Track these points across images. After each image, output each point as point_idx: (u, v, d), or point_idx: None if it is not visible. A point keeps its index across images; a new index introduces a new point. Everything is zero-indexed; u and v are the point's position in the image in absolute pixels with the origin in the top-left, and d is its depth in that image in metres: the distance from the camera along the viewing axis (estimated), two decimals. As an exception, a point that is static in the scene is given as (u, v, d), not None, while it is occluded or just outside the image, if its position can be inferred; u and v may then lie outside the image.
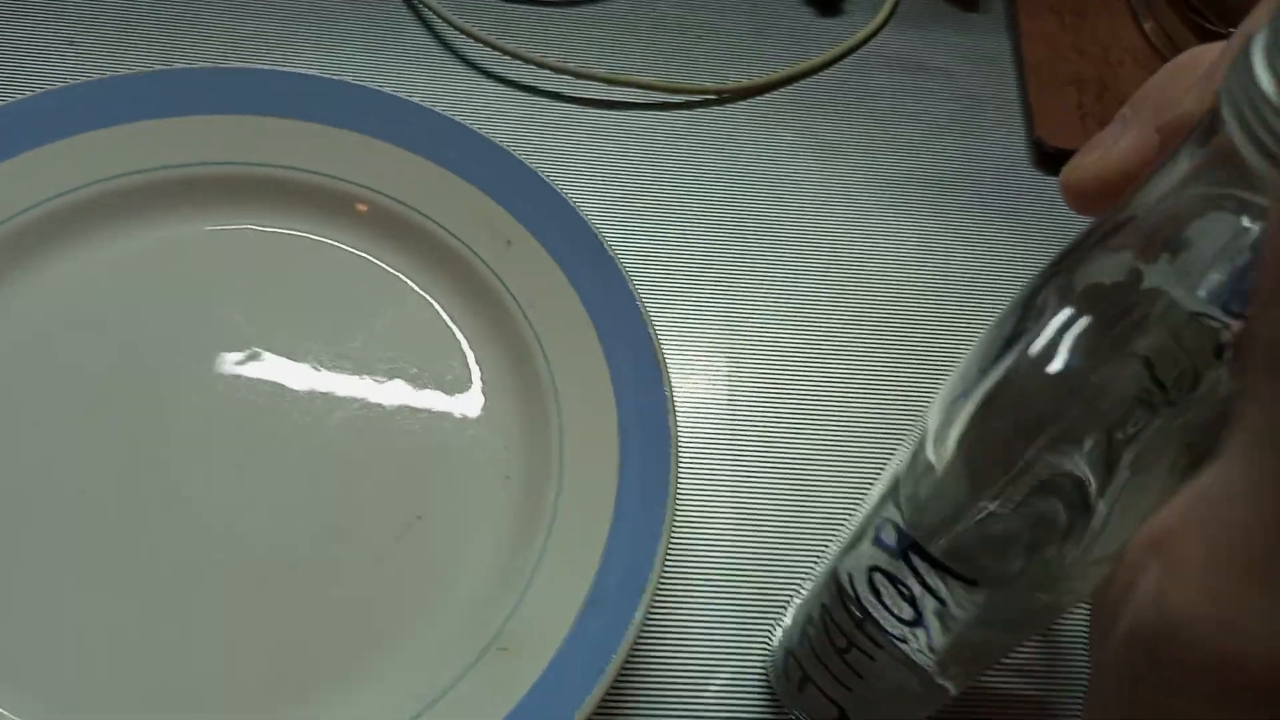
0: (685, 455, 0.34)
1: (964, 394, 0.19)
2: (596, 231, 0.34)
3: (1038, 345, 0.17)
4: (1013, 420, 0.18)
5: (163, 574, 0.30)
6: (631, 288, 0.33)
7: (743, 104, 0.43)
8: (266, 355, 0.33)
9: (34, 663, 0.28)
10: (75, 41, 0.40)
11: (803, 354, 0.37)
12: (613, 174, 0.40)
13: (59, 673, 0.28)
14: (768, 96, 0.43)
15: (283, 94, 0.36)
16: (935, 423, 0.20)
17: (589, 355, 0.33)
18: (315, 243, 0.36)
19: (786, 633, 0.29)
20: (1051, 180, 0.42)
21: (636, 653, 0.31)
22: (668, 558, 0.30)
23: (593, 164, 0.40)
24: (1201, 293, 0.15)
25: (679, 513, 0.33)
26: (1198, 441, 0.16)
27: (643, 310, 0.33)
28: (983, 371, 0.18)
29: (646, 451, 0.31)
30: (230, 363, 0.33)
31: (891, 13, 0.46)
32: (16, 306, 0.33)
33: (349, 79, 0.36)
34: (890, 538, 0.22)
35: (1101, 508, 0.17)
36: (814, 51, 0.45)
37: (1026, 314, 0.18)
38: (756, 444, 0.35)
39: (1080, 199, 0.19)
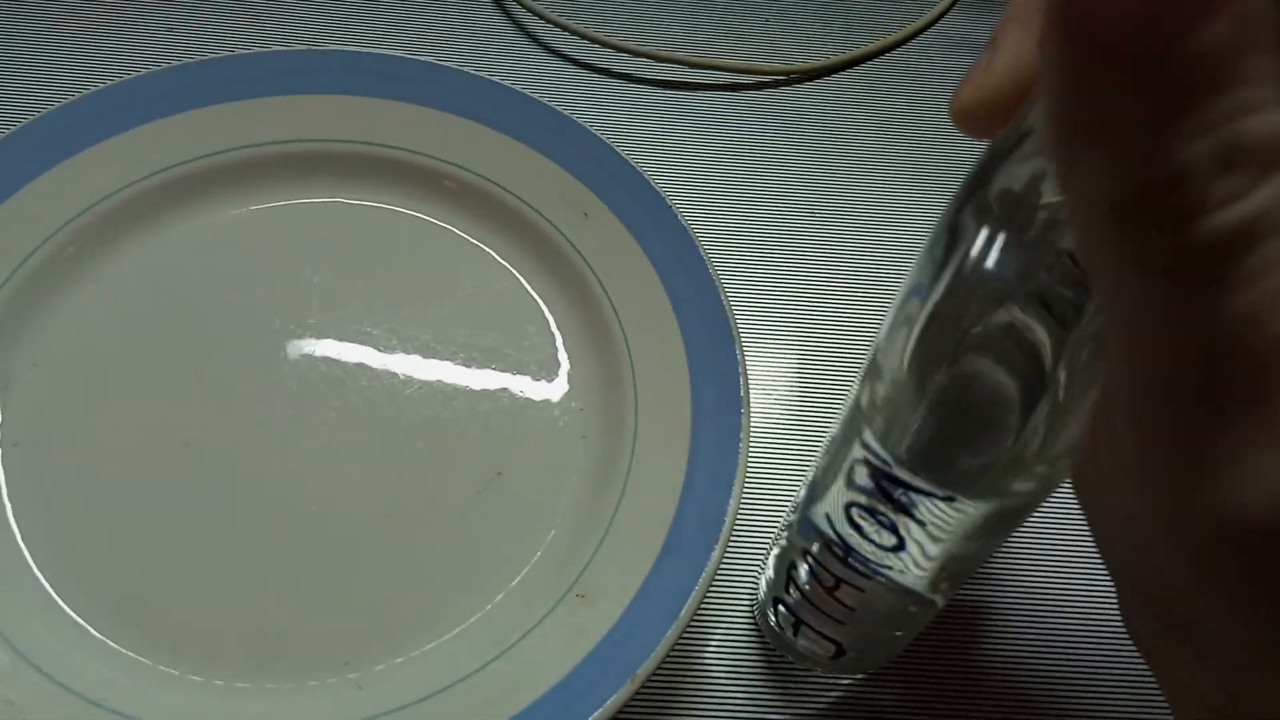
0: (757, 415, 0.35)
1: (905, 320, 0.20)
2: (670, 204, 0.35)
3: (966, 261, 0.18)
4: (953, 327, 0.19)
5: (261, 526, 0.32)
6: (705, 258, 0.34)
7: (812, 84, 0.44)
8: (358, 319, 0.35)
9: (138, 604, 0.30)
10: (175, 29, 0.43)
11: (870, 331, 0.38)
12: (685, 152, 0.41)
13: (164, 614, 0.30)
14: (836, 78, 0.44)
15: (373, 74, 0.38)
16: (885, 352, 0.21)
17: (663, 321, 0.34)
18: (402, 215, 0.37)
19: (770, 583, 0.30)
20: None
21: (707, 606, 0.33)
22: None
23: (665, 142, 0.42)
24: None
25: (750, 467, 0.34)
26: None
27: (715, 278, 0.34)
28: (920, 296, 0.19)
29: (719, 413, 0.32)
30: (324, 325, 0.35)
31: (960, -5, 0.47)
32: (129, 270, 0.35)
33: (432, 60, 0.38)
34: (862, 475, 0.22)
35: (1060, 379, 0.18)
36: (883, 33, 0.45)
37: (951, 235, 0.19)
38: (824, 403, 0.36)
39: (969, 123, 0.19)
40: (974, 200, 0.18)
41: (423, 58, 0.38)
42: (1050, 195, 0.17)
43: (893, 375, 0.21)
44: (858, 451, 0.22)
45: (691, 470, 0.31)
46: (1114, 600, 0.20)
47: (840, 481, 0.23)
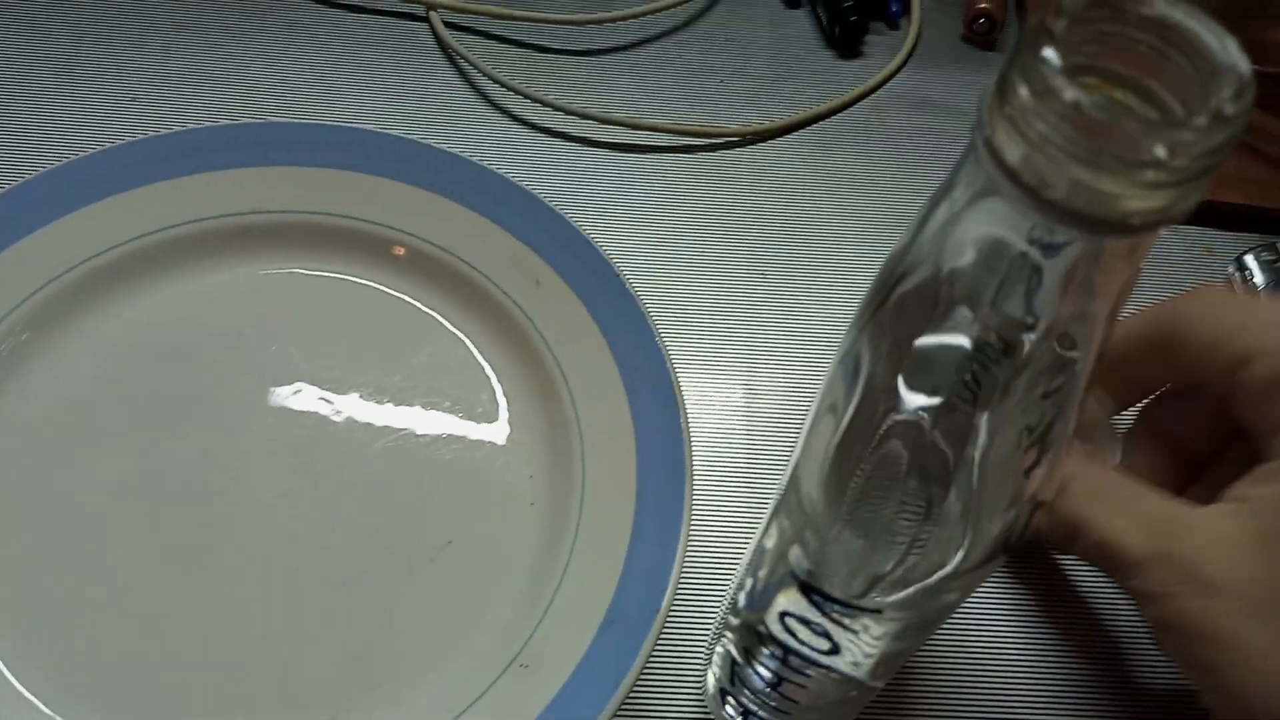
0: (700, 484, 0.36)
1: (819, 439, 0.21)
2: (619, 272, 0.36)
3: (874, 375, 0.19)
4: (863, 439, 0.20)
5: (219, 587, 0.32)
6: (652, 326, 0.35)
7: (765, 145, 0.45)
8: (314, 388, 0.36)
9: (94, 669, 0.31)
10: (138, 99, 0.44)
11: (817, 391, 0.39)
12: (638, 215, 0.42)
13: (120, 677, 0.31)
14: (789, 138, 0.45)
15: (326, 146, 0.38)
16: (803, 468, 0.22)
17: (610, 390, 0.35)
18: (358, 285, 0.38)
19: (717, 677, 0.30)
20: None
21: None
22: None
23: (619, 206, 0.43)
24: (1002, 310, 0.17)
25: (692, 538, 0.35)
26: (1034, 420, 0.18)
27: (663, 349, 0.35)
28: (833, 414, 0.20)
29: (663, 482, 0.33)
30: (282, 394, 0.36)
31: (910, 54, 0.48)
32: (91, 342, 0.36)
33: (379, 126, 0.39)
34: (791, 587, 0.23)
35: (970, 480, 0.19)
36: (834, 93, 0.46)
37: (857, 358, 0.20)
38: (768, 475, 0.37)
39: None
40: (867, 331, 0.19)
41: (371, 128, 0.39)
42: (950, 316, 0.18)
43: (810, 494, 0.21)
44: (782, 566, 0.23)
45: (635, 540, 0.32)
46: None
47: (771, 590, 0.24)
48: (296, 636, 0.32)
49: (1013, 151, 0.15)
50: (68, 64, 0.44)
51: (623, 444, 0.34)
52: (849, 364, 0.20)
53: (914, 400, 0.19)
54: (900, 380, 0.19)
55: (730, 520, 0.36)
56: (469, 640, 0.32)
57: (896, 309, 0.19)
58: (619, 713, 0.29)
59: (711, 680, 0.31)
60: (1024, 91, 0.14)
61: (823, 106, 0.46)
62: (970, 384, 0.19)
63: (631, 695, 0.31)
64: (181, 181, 0.38)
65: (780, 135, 0.45)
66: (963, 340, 0.18)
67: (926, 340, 0.19)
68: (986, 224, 0.16)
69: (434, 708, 0.31)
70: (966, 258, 0.17)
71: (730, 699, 0.30)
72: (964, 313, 0.18)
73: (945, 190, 0.17)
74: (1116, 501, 0.29)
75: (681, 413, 0.34)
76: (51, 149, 0.42)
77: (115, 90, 0.44)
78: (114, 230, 0.37)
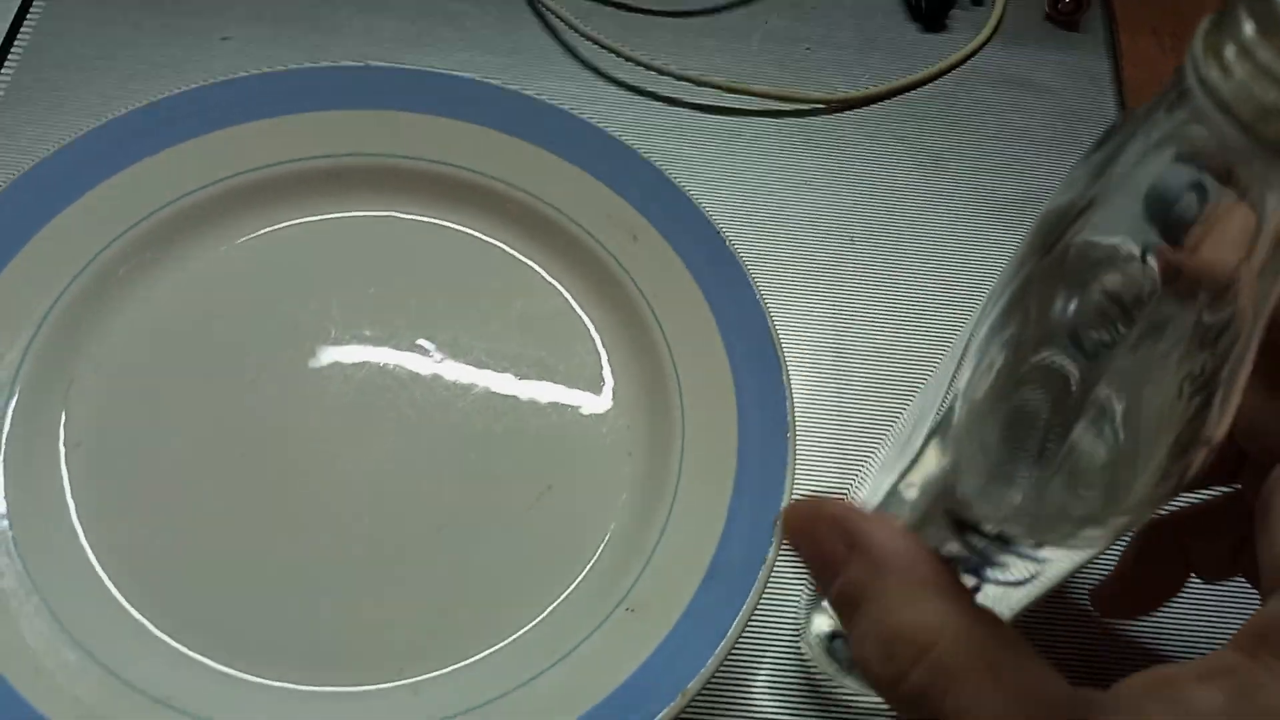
0: (799, 446, 0.36)
1: (986, 362, 0.21)
2: (718, 229, 0.36)
3: (1031, 329, 0.20)
4: (1026, 383, 0.20)
5: (318, 532, 0.33)
6: (752, 282, 0.35)
7: (850, 114, 0.45)
8: (409, 332, 0.36)
9: (199, 605, 0.31)
10: (231, 36, 0.43)
11: (905, 357, 0.39)
12: (727, 176, 0.42)
13: (223, 616, 0.31)
14: (874, 108, 0.45)
15: (430, 92, 0.38)
16: (966, 394, 0.22)
17: (710, 344, 0.35)
18: (454, 231, 0.38)
19: (830, 623, 0.31)
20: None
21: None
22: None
23: (708, 166, 0.43)
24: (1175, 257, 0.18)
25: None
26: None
27: (762, 302, 0.35)
28: (987, 372, 0.21)
29: (765, 435, 0.33)
30: (378, 339, 0.36)
31: (995, 30, 0.48)
32: (188, 279, 0.36)
33: (485, 80, 0.39)
34: (936, 527, 0.23)
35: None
36: (919, 66, 0.46)
37: (1006, 322, 0.20)
38: (863, 435, 0.37)
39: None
40: (1040, 265, 0.20)
41: (471, 75, 0.39)
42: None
43: (968, 438, 0.22)
44: (932, 506, 0.23)
45: (738, 494, 0.32)
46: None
47: (917, 526, 0.24)
48: (396, 582, 0.32)
49: (1229, 88, 0.15)
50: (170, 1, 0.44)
51: (722, 397, 0.34)
52: (1007, 310, 0.21)
53: (1073, 345, 0.20)
54: (1062, 326, 0.20)
55: (829, 472, 0.36)
56: (572, 582, 0.32)
57: (1064, 256, 0.19)
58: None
59: (816, 623, 0.31)
60: (1249, 27, 0.15)
61: (907, 79, 0.46)
62: (1132, 330, 0.19)
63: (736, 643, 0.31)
64: (283, 120, 0.38)
65: (866, 105, 0.45)
66: (1129, 285, 0.19)
67: (1095, 286, 0.19)
68: (1168, 168, 0.17)
69: (540, 651, 0.31)
70: (1149, 202, 0.18)
71: (841, 640, 0.30)
72: (1134, 260, 0.18)
73: (1125, 139, 0.18)
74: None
75: (783, 368, 0.34)
76: (153, 84, 0.42)
77: (213, 27, 0.44)
78: (209, 168, 0.37)
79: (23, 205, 0.35)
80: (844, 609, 0.21)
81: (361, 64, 0.39)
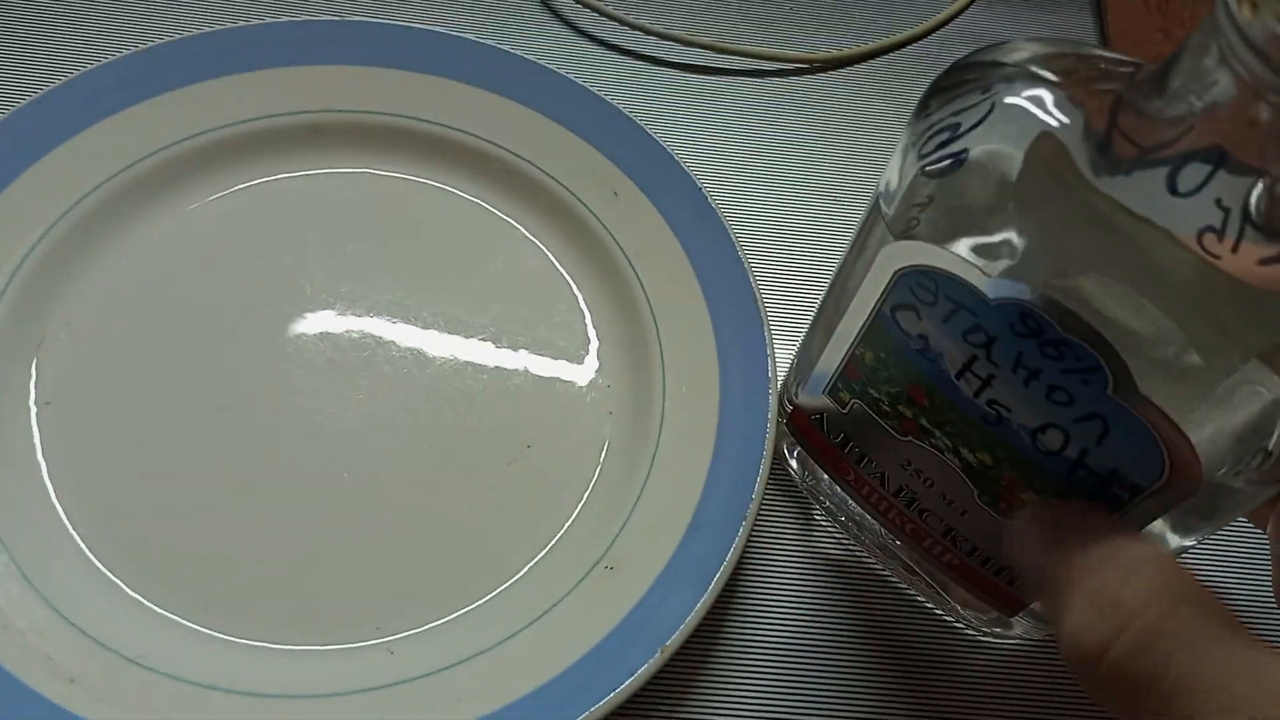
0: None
1: None
2: (699, 185, 0.36)
3: None
4: None
5: (294, 489, 0.32)
6: (733, 239, 0.35)
7: (833, 74, 0.44)
8: (388, 289, 0.36)
9: (171, 563, 0.31)
10: (205, -6, 0.43)
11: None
12: (710, 135, 0.42)
13: (197, 573, 0.31)
14: (858, 67, 0.45)
15: (407, 47, 0.38)
16: None
17: (691, 300, 0.35)
18: (432, 188, 0.38)
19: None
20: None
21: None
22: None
23: (691, 125, 0.42)
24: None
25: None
26: None
27: (743, 259, 0.35)
28: None
29: (747, 393, 0.33)
30: (355, 295, 0.35)
31: (980, -10, 0.47)
32: (159, 235, 0.36)
33: (466, 35, 0.38)
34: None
35: None
36: (903, 26, 0.46)
37: None
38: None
39: None
40: None
41: (449, 31, 0.38)
42: None
43: None
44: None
45: (719, 449, 0.32)
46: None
47: None
48: (373, 540, 0.32)
49: (1259, 28, 0.17)
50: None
51: (704, 354, 0.34)
52: None
53: None
54: None
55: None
56: (550, 540, 0.32)
57: None
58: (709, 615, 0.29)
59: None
60: None
61: (892, 38, 0.45)
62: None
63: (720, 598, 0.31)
64: (256, 75, 0.37)
65: (851, 64, 0.45)
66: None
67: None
68: None
69: (517, 607, 0.30)
70: None
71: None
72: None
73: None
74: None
75: (765, 325, 0.34)
76: (124, 37, 0.41)
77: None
78: (184, 123, 0.36)
79: (-10, 161, 0.34)
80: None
81: (340, 19, 0.38)
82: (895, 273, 0.23)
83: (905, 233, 0.23)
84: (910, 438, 0.26)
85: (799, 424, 0.31)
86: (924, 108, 0.23)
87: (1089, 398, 0.21)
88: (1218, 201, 0.18)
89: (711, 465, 0.32)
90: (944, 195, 0.22)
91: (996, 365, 0.22)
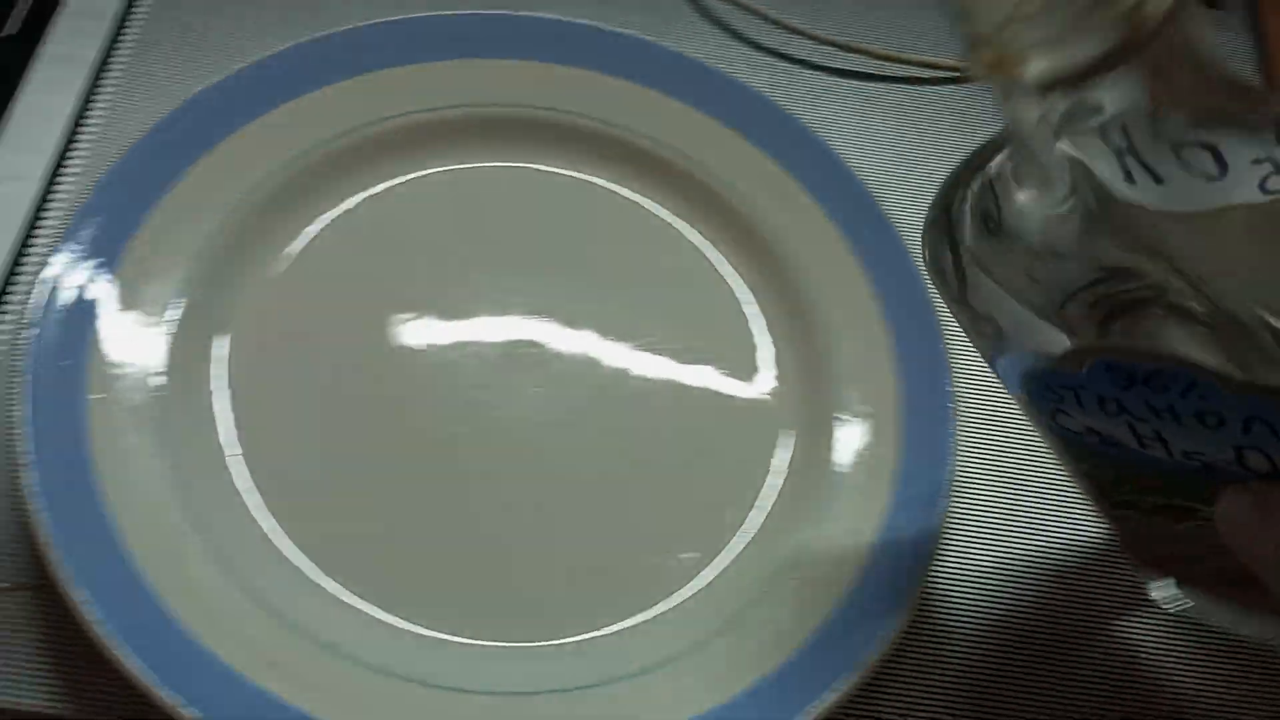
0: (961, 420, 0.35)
1: None
2: (875, 200, 0.36)
3: None
4: None
5: (476, 490, 0.32)
6: (908, 251, 0.35)
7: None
8: (559, 287, 0.36)
9: (358, 559, 0.31)
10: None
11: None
12: (878, 144, 0.42)
13: (394, 570, 0.31)
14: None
15: (582, 45, 0.38)
16: None
17: (866, 314, 0.35)
18: (598, 187, 0.38)
19: None
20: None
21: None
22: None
23: (857, 134, 0.42)
24: None
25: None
26: None
27: (919, 270, 0.34)
28: None
29: (930, 415, 0.33)
30: (518, 290, 0.35)
31: (1136, 5, 0.47)
32: (335, 222, 0.36)
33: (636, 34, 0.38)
34: None
35: None
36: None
37: None
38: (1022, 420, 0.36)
39: None
40: None
41: (629, 32, 0.38)
42: None
43: None
44: None
45: (901, 479, 0.32)
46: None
47: None
48: (554, 540, 0.32)
49: None
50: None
51: (882, 374, 0.34)
52: None
53: None
54: None
55: (990, 453, 0.36)
56: (735, 549, 0.32)
57: None
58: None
59: None
60: None
61: (1047, 50, 0.45)
62: None
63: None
64: (430, 67, 0.37)
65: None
66: None
67: None
68: None
69: (709, 610, 0.31)
70: None
71: None
72: None
73: None
74: None
75: (941, 338, 0.34)
76: (290, 29, 0.41)
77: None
78: (359, 111, 0.36)
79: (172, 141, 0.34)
80: None
81: (519, 14, 0.38)
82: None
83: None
84: (1182, 525, 0.26)
85: None
86: None
87: (1223, 406, 0.20)
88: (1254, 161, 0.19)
89: (893, 492, 0.32)
90: None
91: (1148, 419, 0.22)
